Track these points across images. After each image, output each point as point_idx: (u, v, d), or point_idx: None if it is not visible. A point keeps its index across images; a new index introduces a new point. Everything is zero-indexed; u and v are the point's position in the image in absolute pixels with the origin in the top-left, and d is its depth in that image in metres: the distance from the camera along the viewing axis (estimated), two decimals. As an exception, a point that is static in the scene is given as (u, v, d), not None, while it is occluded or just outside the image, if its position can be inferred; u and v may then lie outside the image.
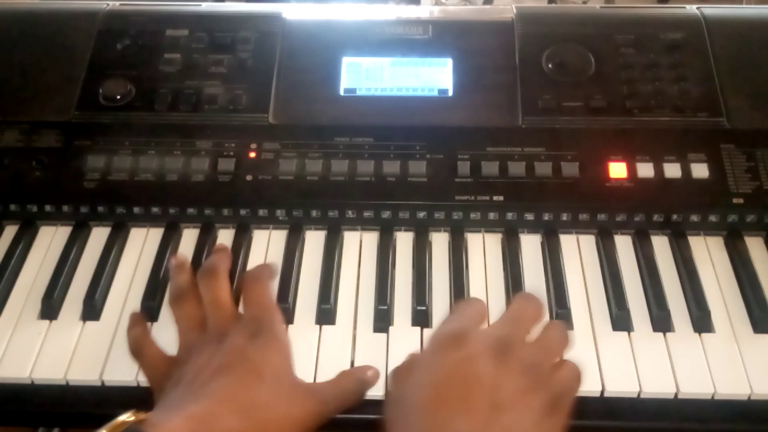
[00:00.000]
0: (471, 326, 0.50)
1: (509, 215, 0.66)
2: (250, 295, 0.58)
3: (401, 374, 0.50)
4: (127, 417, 0.46)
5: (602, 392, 0.56)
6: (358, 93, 0.72)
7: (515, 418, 0.44)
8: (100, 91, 0.71)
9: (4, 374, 0.58)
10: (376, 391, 0.56)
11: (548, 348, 0.50)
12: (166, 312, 0.61)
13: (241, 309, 0.59)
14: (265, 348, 0.53)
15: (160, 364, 0.56)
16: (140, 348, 0.57)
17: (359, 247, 0.67)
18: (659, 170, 0.66)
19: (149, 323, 0.61)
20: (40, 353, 0.59)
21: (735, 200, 0.65)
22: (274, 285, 0.61)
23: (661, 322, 0.60)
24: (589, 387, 0.56)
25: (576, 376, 0.49)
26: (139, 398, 0.55)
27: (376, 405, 0.55)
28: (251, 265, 0.65)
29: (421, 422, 0.44)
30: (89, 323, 0.61)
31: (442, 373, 0.46)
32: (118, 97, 0.71)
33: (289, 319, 0.61)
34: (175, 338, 0.58)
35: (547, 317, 0.54)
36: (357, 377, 0.56)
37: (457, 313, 0.52)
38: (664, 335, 0.59)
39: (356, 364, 0.58)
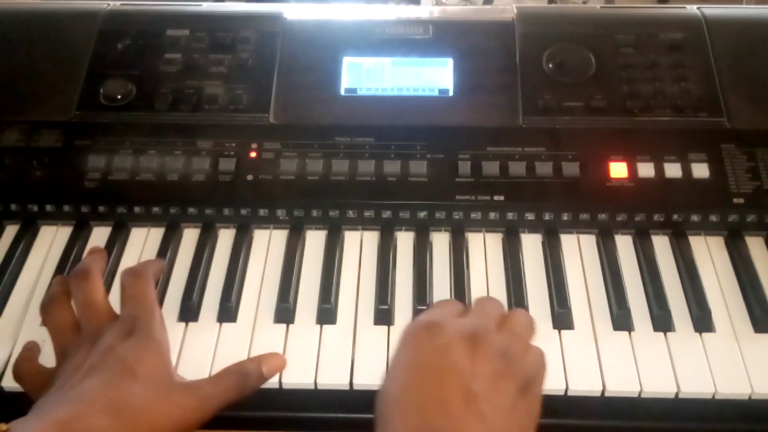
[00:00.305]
0: (443, 317, 0.50)
1: (510, 215, 0.66)
2: (128, 292, 0.57)
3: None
4: None
5: (603, 392, 0.56)
6: (359, 93, 0.72)
7: (490, 403, 0.44)
8: (101, 90, 0.72)
9: (6, 376, 0.57)
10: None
11: (517, 333, 0.50)
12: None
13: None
14: (139, 346, 0.52)
15: (39, 378, 0.54)
16: (18, 370, 0.56)
17: (360, 246, 0.67)
18: (660, 170, 0.66)
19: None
20: (42, 354, 0.59)
21: (735, 200, 0.65)
22: (167, 282, 0.61)
23: (662, 321, 0.60)
24: (590, 387, 0.56)
25: (542, 359, 0.50)
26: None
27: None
28: (253, 265, 0.65)
29: (401, 416, 0.45)
30: (90, 323, 0.61)
31: (416, 363, 0.47)
32: (119, 96, 0.71)
33: (289, 319, 0.61)
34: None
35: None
36: (238, 371, 0.55)
37: (431, 307, 0.54)
38: (665, 335, 0.59)
39: (357, 364, 0.58)
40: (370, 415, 0.55)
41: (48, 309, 0.58)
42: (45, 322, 0.58)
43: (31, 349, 0.58)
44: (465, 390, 0.44)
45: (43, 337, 0.60)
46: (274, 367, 0.56)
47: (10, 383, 0.57)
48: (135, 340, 0.52)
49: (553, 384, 0.55)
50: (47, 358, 0.58)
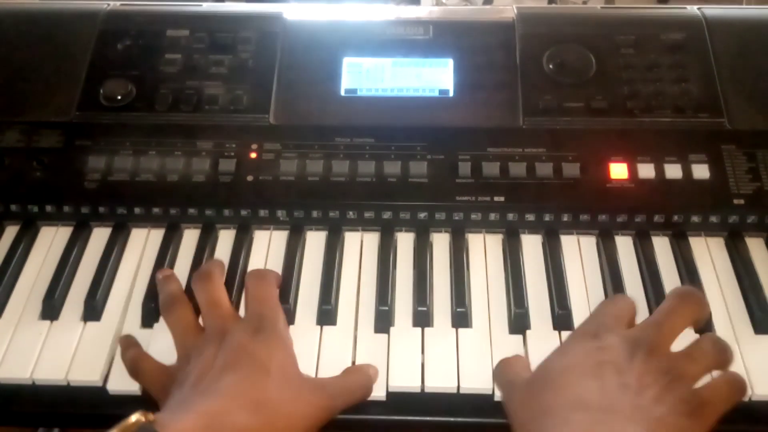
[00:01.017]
0: (608, 324, 0.50)
1: (510, 216, 0.66)
2: (253, 291, 0.58)
3: (511, 366, 0.55)
4: (136, 418, 0.45)
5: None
6: (359, 93, 0.72)
7: (646, 401, 0.44)
8: (101, 91, 0.71)
9: (4, 374, 0.58)
10: (378, 392, 0.56)
11: (693, 357, 0.48)
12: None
13: (241, 312, 0.59)
14: (269, 344, 0.53)
15: (160, 376, 0.55)
16: (137, 367, 0.56)
17: (360, 247, 0.67)
18: (660, 171, 0.66)
19: (151, 327, 0.61)
20: (41, 354, 0.59)
21: (736, 201, 0.65)
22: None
23: (662, 322, 0.60)
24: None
25: (732, 389, 0.48)
26: (142, 400, 0.55)
27: (379, 406, 0.56)
28: (252, 265, 0.65)
29: (553, 394, 0.46)
30: (90, 324, 0.61)
31: (574, 356, 0.48)
32: (119, 97, 0.71)
33: (290, 319, 0.61)
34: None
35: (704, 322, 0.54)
36: (364, 372, 0.56)
37: (598, 312, 0.53)
38: (665, 336, 0.59)
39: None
40: (370, 416, 0.56)
41: (172, 310, 0.58)
42: (168, 321, 0.58)
43: (137, 345, 0.59)
44: (620, 380, 0.45)
45: (40, 330, 0.60)
46: (376, 374, 0.57)
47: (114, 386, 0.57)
48: (264, 338, 0.53)
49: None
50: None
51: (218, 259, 0.64)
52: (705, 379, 0.49)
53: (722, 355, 0.50)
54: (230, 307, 0.58)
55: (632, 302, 0.53)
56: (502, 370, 0.55)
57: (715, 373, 0.51)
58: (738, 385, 0.49)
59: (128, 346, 0.58)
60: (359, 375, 0.56)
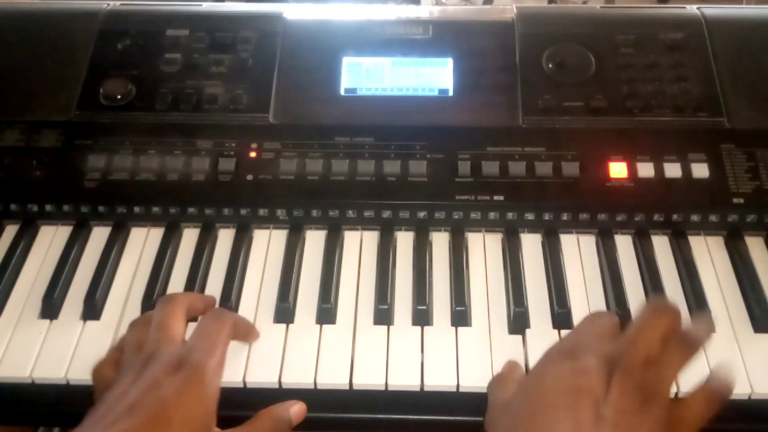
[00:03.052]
0: (587, 343, 0.49)
1: (509, 215, 0.66)
2: (201, 326, 0.54)
3: (503, 381, 0.53)
4: None
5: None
6: (359, 93, 0.72)
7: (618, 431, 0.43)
8: (101, 90, 0.72)
9: (4, 373, 0.58)
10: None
11: (660, 367, 0.47)
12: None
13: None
14: (184, 388, 0.48)
15: (104, 373, 0.53)
16: (95, 373, 0.53)
17: (360, 246, 0.67)
18: (659, 170, 0.66)
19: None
20: (40, 353, 0.59)
21: (735, 200, 0.65)
22: (246, 344, 0.59)
23: (662, 321, 0.60)
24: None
25: (709, 402, 0.46)
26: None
27: (379, 405, 0.56)
28: (253, 265, 0.65)
29: (526, 426, 0.45)
30: (90, 323, 0.61)
31: (550, 380, 0.47)
32: (119, 96, 0.71)
33: (289, 318, 0.61)
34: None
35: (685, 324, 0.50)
36: (274, 417, 0.53)
37: (578, 329, 0.51)
38: (665, 335, 0.59)
39: (356, 364, 0.58)
40: (370, 415, 0.56)
41: (134, 326, 0.55)
42: (125, 336, 0.55)
43: (120, 351, 0.55)
44: (594, 413, 0.44)
45: (39, 330, 0.60)
46: (300, 413, 0.55)
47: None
48: (180, 379, 0.48)
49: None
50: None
51: (207, 297, 0.61)
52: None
53: (688, 349, 0.48)
54: (176, 336, 0.53)
55: (615, 319, 0.51)
56: (492, 389, 0.54)
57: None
58: (716, 395, 0.47)
59: (111, 351, 0.56)
60: (267, 421, 0.53)
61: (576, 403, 0.44)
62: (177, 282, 0.64)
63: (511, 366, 0.56)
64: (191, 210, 0.67)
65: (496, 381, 0.55)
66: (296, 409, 0.54)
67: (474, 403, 0.56)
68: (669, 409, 0.45)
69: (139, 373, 0.49)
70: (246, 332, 0.59)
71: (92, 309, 0.61)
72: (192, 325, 0.55)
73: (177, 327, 0.54)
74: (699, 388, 0.47)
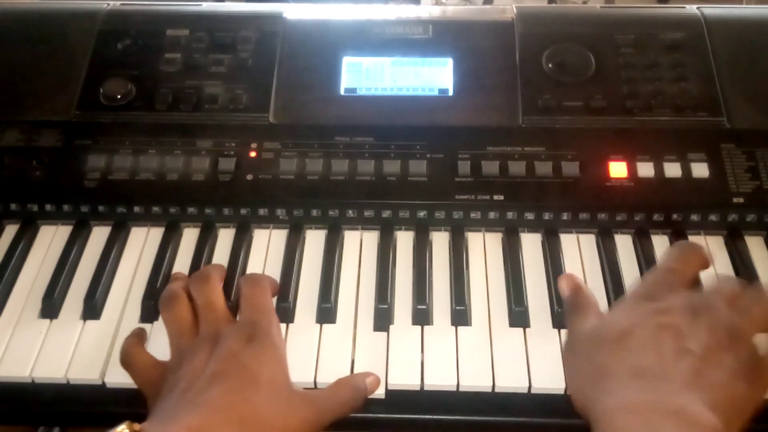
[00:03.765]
0: (662, 289, 0.50)
1: (509, 214, 0.66)
2: (248, 297, 0.57)
3: (582, 309, 0.55)
4: (121, 429, 0.45)
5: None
6: (359, 92, 0.72)
7: (704, 365, 0.44)
8: (101, 90, 0.72)
9: (4, 373, 0.58)
10: (377, 391, 0.56)
11: (748, 313, 0.48)
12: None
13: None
14: (261, 353, 0.52)
15: (150, 370, 0.55)
16: (129, 357, 0.56)
17: (360, 246, 0.67)
18: (659, 170, 0.66)
19: (149, 324, 0.61)
20: (40, 352, 0.59)
21: (735, 200, 0.65)
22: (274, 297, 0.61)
23: (662, 321, 0.60)
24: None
25: None
26: (140, 397, 0.55)
27: (379, 404, 0.56)
28: (252, 264, 0.65)
29: (608, 355, 0.46)
30: (90, 322, 0.61)
31: (635, 317, 0.48)
32: (119, 96, 0.71)
33: (289, 318, 0.61)
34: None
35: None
36: (354, 385, 0.55)
37: (648, 279, 0.53)
38: (665, 334, 0.59)
39: (357, 363, 0.58)
40: (369, 415, 0.56)
41: (170, 306, 0.57)
42: (164, 318, 0.58)
43: (139, 336, 0.58)
44: (679, 346, 0.44)
45: (39, 329, 0.60)
46: (374, 383, 0.56)
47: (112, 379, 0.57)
48: (256, 347, 0.52)
49: (552, 383, 0.56)
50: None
51: (218, 264, 0.64)
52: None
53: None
54: (226, 311, 0.58)
55: (680, 274, 0.53)
56: (571, 314, 0.55)
57: None
58: None
59: (132, 335, 0.58)
60: (349, 389, 0.55)
61: (660, 337, 0.46)
62: (177, 282, 0.64)
63: (584, 293, 0.58)
64: (191, 210, 0.67)
65: (574, 307, 0.56)
66: (371, 380, 0.56)
67: (474, 402, 0.56)
68: (755, 351, 0.46)
69: (209, 351, 0.52)
70: (275, 286, 0.62)
71: (92, 309, 0.61)
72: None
73: (223, 304, 0.58)
74: None
